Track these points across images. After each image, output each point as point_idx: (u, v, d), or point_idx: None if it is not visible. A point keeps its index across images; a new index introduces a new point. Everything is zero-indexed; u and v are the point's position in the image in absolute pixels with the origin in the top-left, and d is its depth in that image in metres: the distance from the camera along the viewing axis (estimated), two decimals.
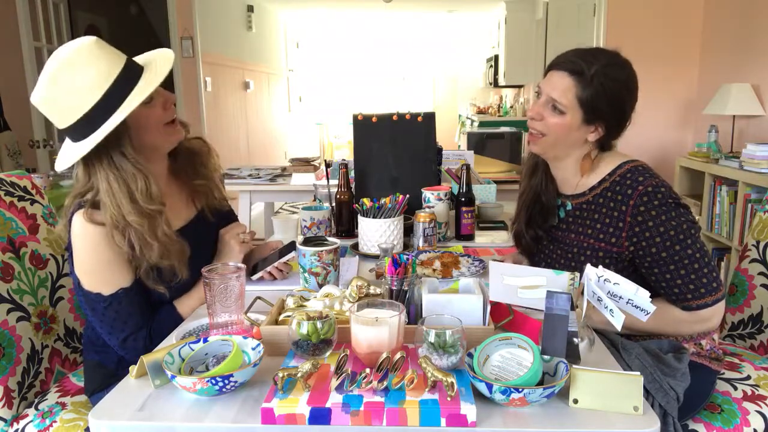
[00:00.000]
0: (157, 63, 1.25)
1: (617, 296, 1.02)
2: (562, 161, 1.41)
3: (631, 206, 1.28)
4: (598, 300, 1.02)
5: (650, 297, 0.99)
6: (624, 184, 1.31)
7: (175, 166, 1.44)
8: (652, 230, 1.26)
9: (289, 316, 1.12)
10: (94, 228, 1.21)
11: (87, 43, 1.17)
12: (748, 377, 1.43)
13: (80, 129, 1.18)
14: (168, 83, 1.37)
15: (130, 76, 1.19)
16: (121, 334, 1.27)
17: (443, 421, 0.85)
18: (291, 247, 1.52)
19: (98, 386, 1.34)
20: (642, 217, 1.27)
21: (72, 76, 1.15)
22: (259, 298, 1.22)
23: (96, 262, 1.24)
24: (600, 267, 1.03)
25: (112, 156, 1.20)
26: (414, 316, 1.16)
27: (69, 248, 1.26)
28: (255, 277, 1.50)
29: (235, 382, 0.92)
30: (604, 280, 1.02)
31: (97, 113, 1.16)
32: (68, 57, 1.16)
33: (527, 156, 1.54)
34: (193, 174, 1.45)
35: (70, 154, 1.21)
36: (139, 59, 1.27)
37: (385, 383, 0.90)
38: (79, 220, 1.22)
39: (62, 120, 1.19)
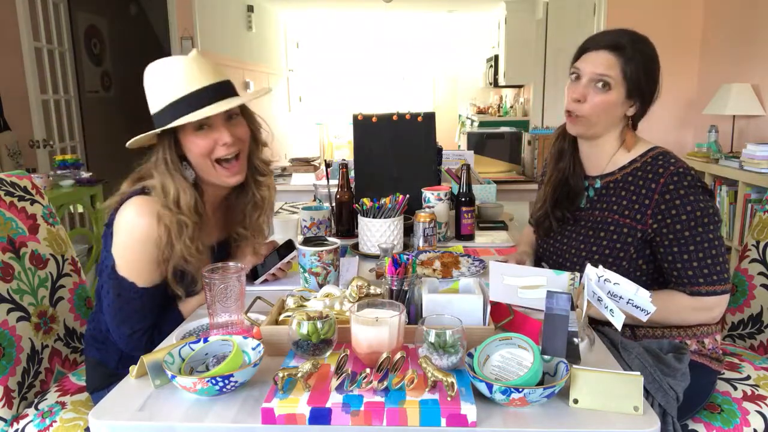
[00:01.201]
0: (233, 101, 1.28)
1: (617, 296, 1.02)
2: (600, 138, 1.42)
3: (660, 184, 1.30)
4: (598, 300, 1.02)
5: (655, 288, 1.00)
6: (656, 164, 1.34)
7: (234, 200, 1.44)
8: (679, 209, 1.28)
9: (289, 316, 1.12)
10: (149, 219, 1.23)
11: (185, 56, 1.28)
12: (748, 377, 1.43)
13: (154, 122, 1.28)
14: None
15: (191, 100, 1.24)
16: (137, 326, 1.28)
17: (443, 421, 0.85)
18: (290, 246, 1.52)
19: (99, 384, 1.35)
20: (670, 195, 1.29)
21: (155, 78, 1.27)
22: (259, 298, 1.22)
23: (141, 253, 1.25)
24: (600, 267, 1.03)
25: (159, 158, 1.29)
26: (414, 316, 1.16)
27: (110, 225, 1.27)
28: (258, 281, 1.50)
29: (235, 382, 0.92)
30: (604, 280, 1.02)
31: (161, 118, 1.26)
32: (160, 62, 1.27)
33: (552, 142, 1.56)
34: (241, 221, 1.45)
35: (133, 140, 1.29)
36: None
37: (385, 383, 0.90)
38: (135, 207, 1.24)
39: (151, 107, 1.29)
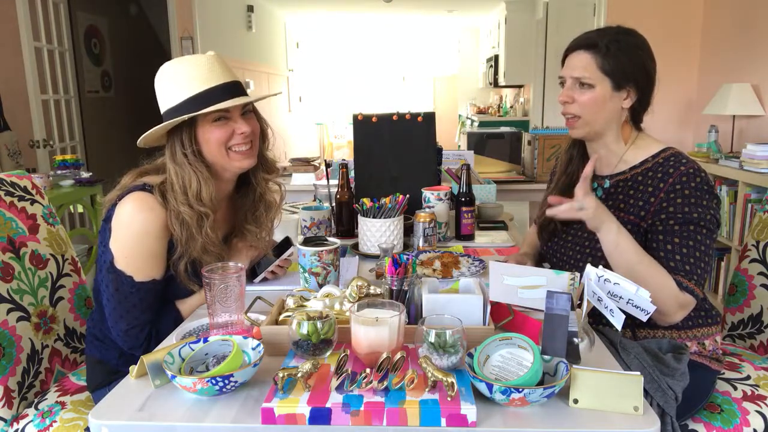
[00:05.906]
0: (253, 96, 1.35)
1: (617, 296, 1.02)
2: (604, 137, 1.42)
3: (669, 183, 1.31)
4: (598, 300, 1.02)
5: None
6: (667, 165, 1.34)
7: (241, 197, 1.46)
8: (678, 207, 1.28)
9: (289, 316, 1.12)
10: (148, 215, 1.25)
11: (205, 54, 1.32)
12: (748, 377, 1.43)
13: (165, 117, 1.30)
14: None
15: (213, 94, 1.27)
16: (134, 321, 1.28)
17: (443, 421, 0.85)
18: (287, 243, 1.53)
19: (101, 382, 1.35)
20: (675, 194, 1.30)
21: (173, 75, 1.30)
22: (259, 298, 1.22)
23: (140, 248, 1.26)
24: (600, 267, 1.03)
25: (178, 153, 1.30)
26: (414, 316, 1.16)
27: (107, 220, 1.28)
28: (257, 279, 1.50)
29: (235, 382, 0.92)
30: (604, 280, 1.02)
31: (179, 111, 1.27)
32: (182, 59, 1.32)
33: (563, 151, 1.58)
34: (251, 216, 1.47)
35: (145, 134, 1.31)
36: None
37: (386, 383, 0.90)
38: (134, 202, 1.25)
39: (161, 104, 1.31)
